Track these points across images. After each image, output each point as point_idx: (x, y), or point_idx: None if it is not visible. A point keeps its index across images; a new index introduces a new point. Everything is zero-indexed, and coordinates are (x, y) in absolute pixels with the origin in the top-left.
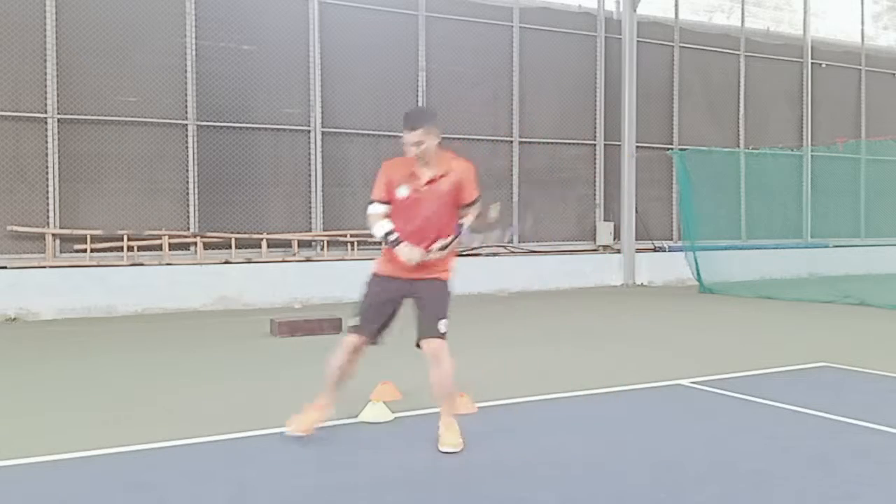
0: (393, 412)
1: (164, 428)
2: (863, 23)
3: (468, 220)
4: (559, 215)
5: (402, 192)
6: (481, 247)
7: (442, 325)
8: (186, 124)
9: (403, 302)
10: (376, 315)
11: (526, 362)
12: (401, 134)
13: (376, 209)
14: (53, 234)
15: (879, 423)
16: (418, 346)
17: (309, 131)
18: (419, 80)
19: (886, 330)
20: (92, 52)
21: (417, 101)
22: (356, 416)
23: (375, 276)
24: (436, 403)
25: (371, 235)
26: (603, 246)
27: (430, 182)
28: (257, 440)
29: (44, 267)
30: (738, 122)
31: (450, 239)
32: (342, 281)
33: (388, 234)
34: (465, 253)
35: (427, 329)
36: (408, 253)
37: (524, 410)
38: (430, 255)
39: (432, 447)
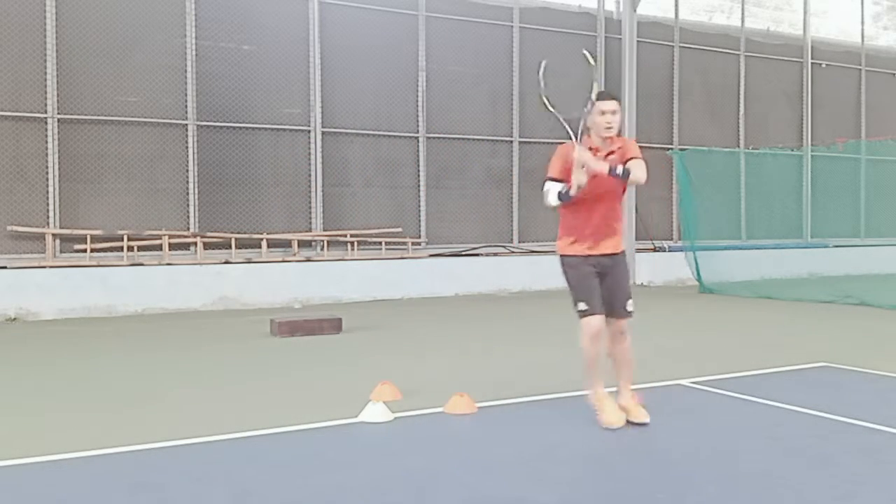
0: (393, 412)
1: (164, 428)
2: (863, 23)
3: (634, 169)
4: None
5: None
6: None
7: (630, 305)
8: (186, 124)
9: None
10: (594, 291)
11: (526, 362)
12: (401, 134)
13: (553, 186)
14: (53, 234)
15: (879, 423)
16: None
17: (309, 131)
18: (419, 80)
19: (886, 330)
20: (92, 52)
21: (417, 100)
22: (356, 417)
23: (571, 258)
24: (617, 376)
25: (370, 236)
26: None
27: (607, 155)
28: (257, 440)
29: (44, 267)
30: (738, 122)
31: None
32: (342, 281)
33: (560, 192)
34: (464, 253)
35: (619, 310)
36: (589, 159)
37: (524, 410)
38: (602, 168)
39: (432, 447)
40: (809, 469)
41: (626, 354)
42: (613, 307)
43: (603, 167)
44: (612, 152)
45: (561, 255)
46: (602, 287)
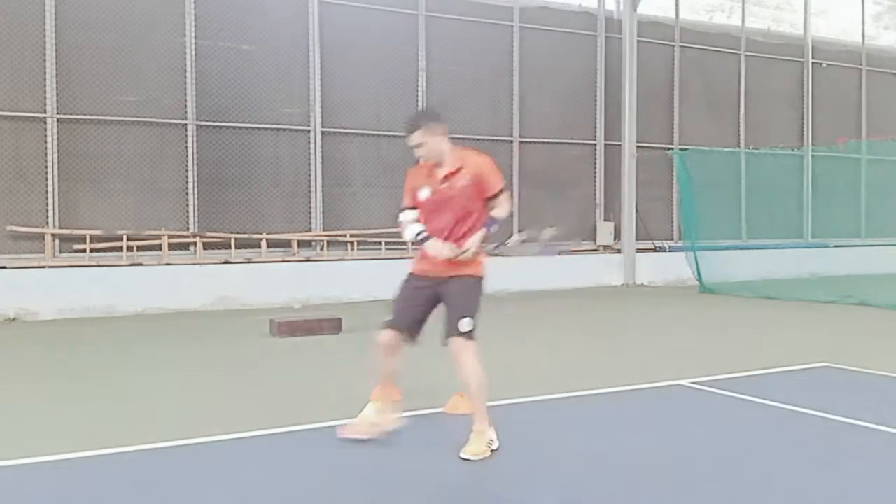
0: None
1: (164, 428)
2: (863, 22)
3: (498, 211)
4: (559, 215)
5: (424, 193)
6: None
7: (464, 324)
8: (186, 124)
9: (436, 301)
10: (406, 309)
11: (526, 363)
12: (401, 134)
13: (406, 216)
14: (53, 234)
15: (879, 423)
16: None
17: (309, 131)
18: (419, 80)
19: (886, 330)
20: (92, 52)
21: (417, 100)
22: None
23: (410, 274)
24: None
25: (370, 236)
26: (603, 246)
27: (445, 178)
28: (257, 440)
29: (43, 267)
30: (739, 122)
31: (479, 235)
32: (342, 281)
33: (418, 234)
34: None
35: (449, 328)
36: (435, 247)
37: (524, 410)
38: (460, 253)
39: (432, 447)
40: (809, 469)
41: (468, 384)
42: (446, 325)
43: (469, 245)
44: (451, 173)
45: (409, 272)
46: (444, 305)
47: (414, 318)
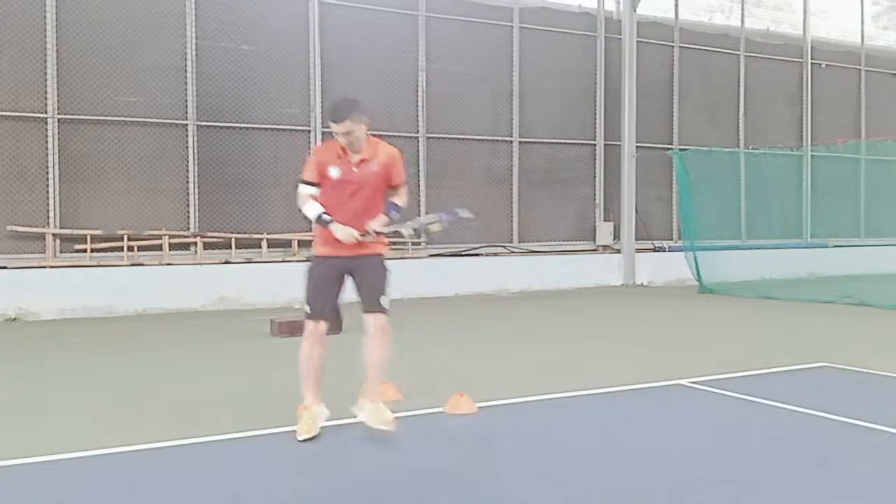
0: (393, 412)
1: (164, 428)
2: (863, 23)
3: (399, 199)
4: (559, 215)
5: (334, 172)
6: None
7: (384, 301)
8: (186, 124)
9: (346, 280)
10: (324, 297)
11: (526, 362)
12: (401, 134)
13: (306, 189)
14: (53, 234)
15: (879, 423)
16: (363, 318)
17: (309, 131)
18: (419, 80)
19: (886, 330)
20: (92, 52)
21: (417, 100)
22: (356, 417)
23: (316, 258)
24: (369, 381)
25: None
26: (603, 246)
27: (360, 162)
28: (257, 440)
29: (44, 267)
30: (738, 122)
31: (384, 219)
32: None
33: (321, 214)
34: (464, 253)
35: (371, 303)
36: (342, 232)
37: (524, 410)
38: (366, 236)
39: (432, 447)
40: (809, 469)
41: (384, 361)
42: (367, 301)
43: (374, 225)
44: (365, 160)
45: (313, 255)
46: (355, 284)
47: (332, 305)
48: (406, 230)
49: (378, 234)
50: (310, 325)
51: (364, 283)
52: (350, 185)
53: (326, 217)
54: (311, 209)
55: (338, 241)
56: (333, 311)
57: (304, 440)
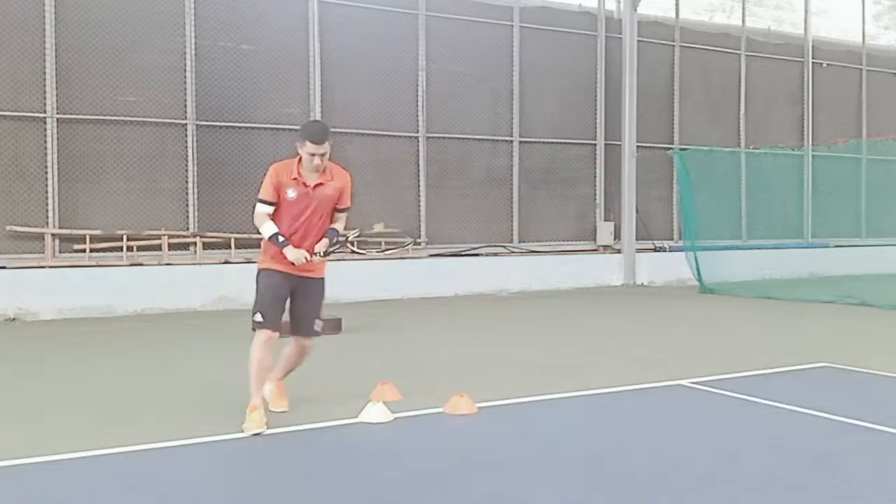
0: (393, 412)
1: (164, 428)
2: (864, 22)
3: (339, 225)
4: (559, 215)
5: (291, 193)
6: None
7: (318, 325)
8: (186, 124)
9: (288, 296)
10: (277, 307)
11: (526, 362)
12: (401, 133)
13: (265, 209)
14: (53, 234)
15: (879, 423)
16: (290, 335)
17: None
18: (419, 80)
19: (886, 330)
20: (92, 52)
21: (417, 100)
22: (356, 417)
23: (268, 270)
24: (276, 375)
25: (370, 236)
26: (603, 246)
27: (316, 186)
28: (257, 440)
29: (43, 267)
30: (739, 122)
31: (330, 243)
32: (342, 281)
33: (275, 235)
34: (464, 253)
35: (307, 329)
36: (294, 254)
37: (524, 410)
38: (314, 259)
39: (432, 447)
40: (810, 469)
41: (295, 366)
42: (300, 327)
43: (320, 248)
44: (321, 184)
45: (259, 269)
46: (294, 304)
47: (281, 314)
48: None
49: (324, 255)
50: (265, 334)
51: (304, 307)
52: (303, 206)
53: (281, 239)
54: (267, 229)
55: (284, 257)
56: (281, 321)
57: (255, 434)
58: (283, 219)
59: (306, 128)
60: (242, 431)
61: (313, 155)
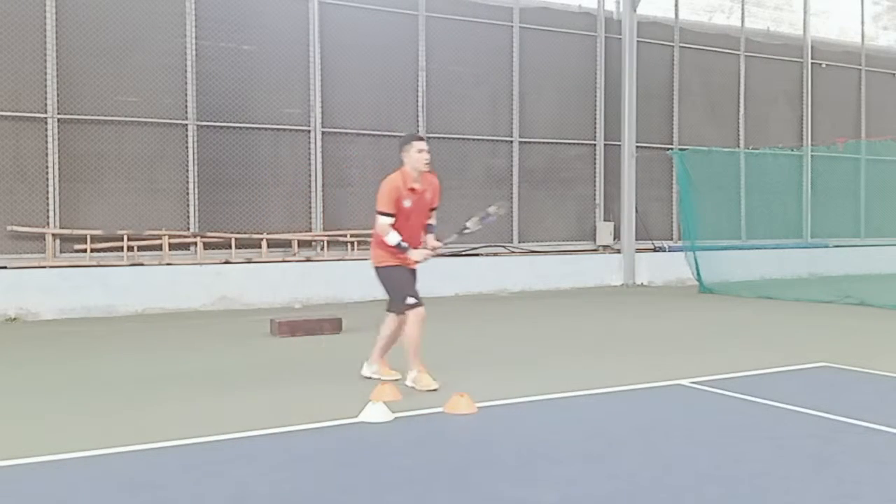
0: (393, 412)
1: (164, 428)
2: (863, 23)
3: (434, 220)
4: (559, 215)
5: (406, 203)
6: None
7: (410, 300)
8: (186, 124)
9: None
10: (414, 287)
11: (526, 362)
12: (401, 133)
13: (388, 220)
14: (53, 234)
15: (879, 423)
16: (403, 312)
17: (309, 131)
18: (419, 80)
19: (886, 330)
20: (92, 52)
21: (417, 100)
22: (356, 417)
23: (393, 266)
24: (409, 354)
25: (369, 235)
26: (603, 246)
27: (421, 191)
28: (257, 440)
29: (44, 267)
30: (738, 122)
31: (433, 237)
32: (342, 281)
33: (400, 242)
34: (464, 253)
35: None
36: (419, 255)
37: (524, 410)
38: (432, 255)
39: (432, 447)
40: (809, 469)
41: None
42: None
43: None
44: (424, 189)
45: (381, 266)
46: None
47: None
48: (451, 238)
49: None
50: (420, 312)
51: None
52: (412, 211)
53: (404, 245)
54: (393, 238)
55: (402, 255)
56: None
57: (433, 390)
58: (401, 226)
59: (406, 136)
60: (414, 386)
61: (421, 151)
